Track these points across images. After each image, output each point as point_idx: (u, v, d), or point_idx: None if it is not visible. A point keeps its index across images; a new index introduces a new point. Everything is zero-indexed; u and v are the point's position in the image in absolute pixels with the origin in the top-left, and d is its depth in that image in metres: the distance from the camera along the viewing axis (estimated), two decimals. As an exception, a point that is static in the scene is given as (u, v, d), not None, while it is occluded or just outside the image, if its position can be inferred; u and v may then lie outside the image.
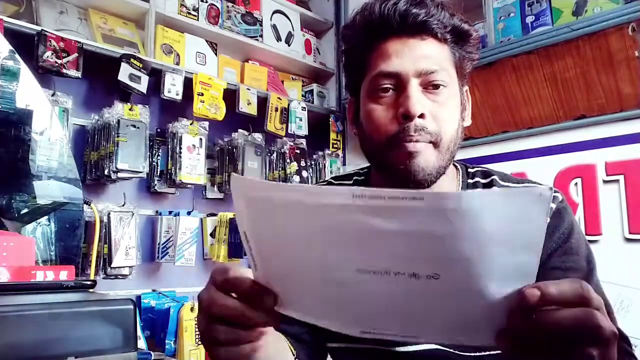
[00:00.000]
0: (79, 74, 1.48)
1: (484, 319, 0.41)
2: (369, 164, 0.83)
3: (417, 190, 0.37)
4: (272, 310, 0.47)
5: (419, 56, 0.70)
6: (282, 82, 2.21)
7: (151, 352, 1.36)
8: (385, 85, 0.71)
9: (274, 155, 2.02)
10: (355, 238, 0.40)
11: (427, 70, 0.69)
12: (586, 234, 1.50)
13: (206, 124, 1.79)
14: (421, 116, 0.69)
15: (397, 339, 0.45)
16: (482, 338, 0.42)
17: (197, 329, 1.65)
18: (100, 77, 1.64)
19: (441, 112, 0.70)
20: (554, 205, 0.73)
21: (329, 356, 0.82)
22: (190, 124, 1.75)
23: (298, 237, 0.43)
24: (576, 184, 1.58)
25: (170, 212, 1.76)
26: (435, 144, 0.70)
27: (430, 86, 0.70)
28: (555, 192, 0.76)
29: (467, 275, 0.39)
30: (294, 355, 0.72)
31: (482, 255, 0.38)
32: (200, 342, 1.65)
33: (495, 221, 0.37)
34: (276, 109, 1.98)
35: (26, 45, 1.37)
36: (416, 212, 0.37)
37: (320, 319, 0.48)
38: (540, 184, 0.78)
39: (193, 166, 1.73)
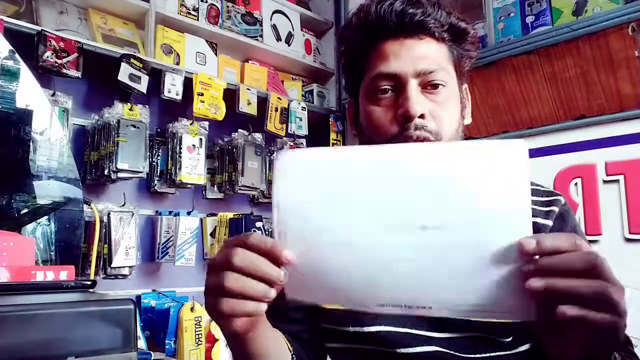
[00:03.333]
0: (79, 74, 1.48)
1: (498, 279, 0.44)
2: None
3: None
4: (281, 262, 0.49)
5: (417, 56, 0.70)
6: (282, 82, 2.21)
7: (151, 352, 1.36)
8: (384, 87, 0.71)
9: (274, 155, 2.02)
10: (374, 197, 0.47)
11: (425, 70, 0.69)
12: (586, 234, 1.50)
13: (206, 124, 1.79)
14: (421, 116, 0.69)
15: (411, 312, 0.48)
16: (503, 307, 0.45)
17: (196, 322, 1.65)
18: (100, 77, 1.64)
19: (441, 112, 0.70)
20: (556, 209, 0.73)
21: (328, 357, 0.82)
22: (190, 124, 1.75)
23: (329, 201, 0.48)
24: (576, 184, 1.58)
25: (170, 212, 1.76)
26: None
27: (429, 86, 0.70)
28: (557, 194, 0.76)
29: (468, 225, 0.44)
30: (290, 352, 0.72)
31: (476, 204, 0.44)
32: (199, 343, 1.65)
33: (476, 172, 0.44)
34: (276, 109, 1.98)
35: (26, 45, 1.37)
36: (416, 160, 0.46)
37: (334, 299, 0.51)
38: (542, 186, 0.78)
39: (193, 166, 1.73)
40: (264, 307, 0.51)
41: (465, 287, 0.45)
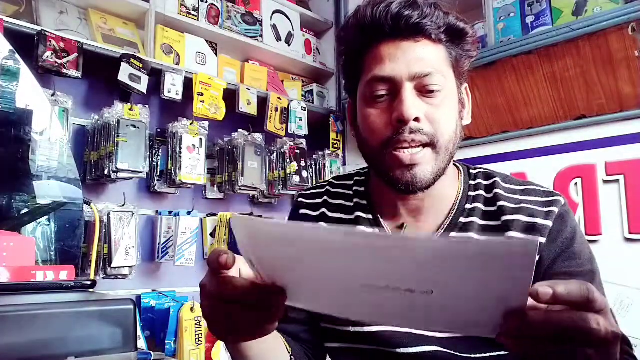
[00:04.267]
0: (79, 74, 1.48)
1: (483, 321, 0.44)
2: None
3: (405, 234, 0.40)
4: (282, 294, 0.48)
5: (413, 59, 0.69)
6: (282, 82, 2.21)
7: (151, 352, 1.37)
8: (380, 90, 0.71)
9: (274, 155, 2.02)
10: (352, 264, 0.43)
11: (421, 73, 0.69)
12: (586, 234, 1.50)
13: (206, 124, 1.79)
14: (416, 119, 0.69)
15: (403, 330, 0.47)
16: (484, 332, 0.45)
17: (196, 324, 1.65)
18: (100, 77, 1.64)
19: (437, 114, 0.70)
20: (556, 210, 0.73)
21: (328, 357, 0.82)
22: (190, 124, 1.75)
23: (302, 265, 0.46)
24: (576, 184, 1.58)
25: (170, 212, 1.76)
26: (433, 146, 0.70)
27: (425, 89, 0.70)
28: (557, 195, 0.76)
29: (458, 296, 0.42)
30: (289, 353, 0.72)
31: (468, 287, 0.41)
32: (199, 343, 1.65)
33: (479, 266, 0.39)
34: (276, 109, 1.98)
35: (26, 45, 1.37)
36: (403, 249, 0.40)
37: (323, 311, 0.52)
38: (542, 187, 0.78)
39: (193, 166, 1.73)
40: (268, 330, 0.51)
41: (449, 325, 0.46)
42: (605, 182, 1.52)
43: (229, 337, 0.54)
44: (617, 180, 1.50)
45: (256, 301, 0.47)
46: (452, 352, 0.69)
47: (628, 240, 1.46)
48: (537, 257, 0.70)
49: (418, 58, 0.69)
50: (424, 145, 0.69)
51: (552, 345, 0.40)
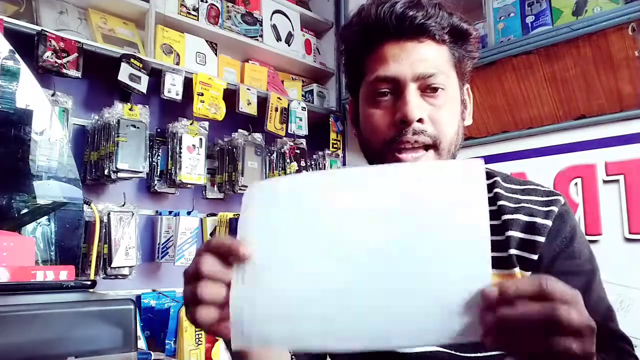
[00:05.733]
0: (79, 74, 1.48)
1: (454, 308, 0.44)
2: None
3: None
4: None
5: (417, 60, 0.69)
6: (282, 82, 2.21)
7: (151, 352, 1.37)
8: (383, 90, 0.71)
9: (274, 155, 2.02)
10: (336, 222, 0.46)
11: (424, 74, 0.69)
12: (586, 234, 1.50)
13: (206, 124, 1.79)
14: (419, 120, 0.68)
15: (371, 347, 0.47)
16: (469, 333, 0.45)
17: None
18: (100, 77, 1.64)
19: (440, 116, 0.70)
20: (556, 209, 0.73)
21: (328, 357, 0.82)
22: (190, 124, 1.75)
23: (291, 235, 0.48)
24: (576, 184, 1.58)
25: (170, 212, 1.76)
26: (435, 147, 0.70)
27: (428, 90, 0.70)
28: (557, 194, 0.76)
29: (424, 251, 0.43)
30: (289, 352, 0.72)
31: (434, 228, 0.43)
32: (199, 343, 1.65)
33: (432, 192, 0.42)
34: (276, 109, 1.98)
35: (26, 45, 1.37)
36: (384, 177, 0.45)
37: (289, 340, 0.49)
38: (543, 186, 0.78)
39: (193, 166, 1.73)
40: None
41: (422, 318, 0.45)
42: (605, 182, 1.52)
43: (209, 323, 0.52)
44: (617, 180, 1.50)
45: (224, 275, 0.49)
46: (452, 351, 0.69)
47: (628, 240, 1.46)
48: (537, 257, 0.70)
49: (422, 58, 0.69)
50: (427, 147, 0.69)
51: (531, 338, 0.42)
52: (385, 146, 0.70)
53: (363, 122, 0.75)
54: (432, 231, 0.43)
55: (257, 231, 0.48)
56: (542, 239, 0.71)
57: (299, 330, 0.47)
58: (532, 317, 0.42)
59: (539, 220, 0.72)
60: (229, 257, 0.49)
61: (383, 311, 0.45)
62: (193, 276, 0.49)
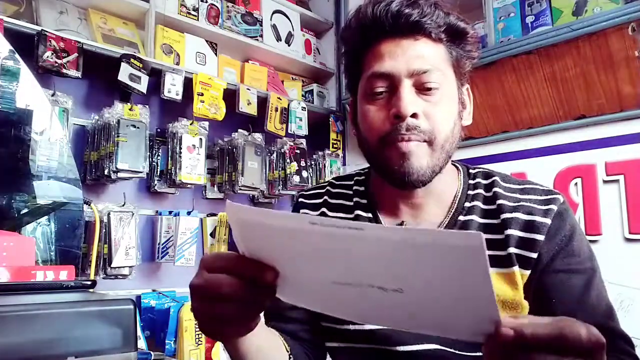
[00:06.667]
0: (79, 74, 1.48)
1: (460, 325, 0.44)
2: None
3: (360, 222, 0.40)
4: (270, 285, 0.48)
5: (412, 56, 0.70)
6: (282, 82, 2.21)
7: (151, 352, 1.36)
8: (379, 86, 0.72)
9: (274, 155, 2.02)
10: (323, 256, 0.44)
11: (419, 70, 0.69)
12: (586, 234, 1.49)
13: (206, 124, 1.79)
14: (414, 116, 0.69)
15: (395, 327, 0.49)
16: (465, 335, 0.45)
17: (195, 324, 1.65)
18: (100, 77, 1.64)
19: (435, 112, 0.70)
20: (555, 207, 0.73)
21: (328, 356, 0.82)
22: (190, 124, 1.75)
23: (280, 255, 0.47)
24: (576, 184, 1.58)
25: (170, 212, 1.76)
26: (430, 143, 0.70)
27: (423, 86, 0.70)
28: (556, 193, 0.76)
29: (426, 295, 0.42)
30: (288, 352, 0.72)
31: (433, 286, 0.41)
32: (199, 343, 1.65)
33: (434, 261, 0.40)
34: (276, 109, 1.98)
35: (26, 45, 1.37)
36: (361, 240, 0.41)
37: (310, 307, 0.53)
38: (542, 185, 0.78)
39: (193, 166, 1.73)
40: (255, 325, 0.53)
41: (427, 325, 0.47)
42: (605, 182, 1.52)
43: (222, 336, 0.55)
44: (617, 180, 1.50)
45: (246, 297, 0.48)
46: (452, 350, 0.70)
47: (628, 240, 1.46)
48: (536, 255, 0.70)
49: (417, 55, 0.70)
50: (420, 142, 0.70)
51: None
52: (380, 141, 0.71)
53: (360, 118, 0.76)
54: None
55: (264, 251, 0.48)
56: (541, 237, 0.71)
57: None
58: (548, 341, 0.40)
59: (537, 218, 0.72)
60: (251, 278, 0.48)
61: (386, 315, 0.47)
62: (210, 296, 0.48)
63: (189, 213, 1.78)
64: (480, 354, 0.70)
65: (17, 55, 1.29)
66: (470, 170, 0.82)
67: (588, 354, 0.40)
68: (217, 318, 0.49)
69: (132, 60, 1.58)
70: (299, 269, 0.47)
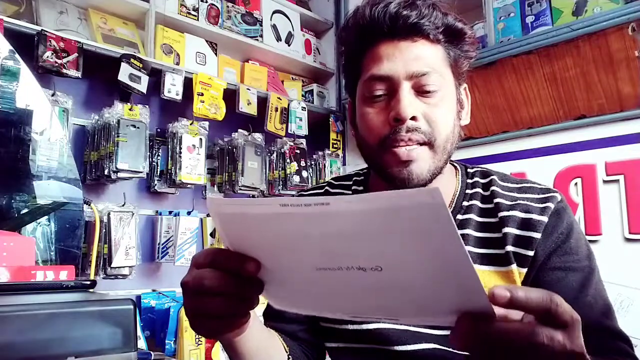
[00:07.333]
0: (79, 74, 1.48)
1: (441, 307, 0.44)
2: (368, 165, 0.83)
3: (326, 197, 0.39)
4: (255, 278, 0.49)
5: (410, 59, 0.70)
6: (282, 82, 2.21)
7: (151, 352, 1.36)
8: (378, 89, 0.71)
9: (274, 155, 2.02)
10: (300, 240, 0.44)
11: (418, 72, 0.69)
12: (586, 234, 1.50)
13: (206, 124, 1.80)
14: (413, 118, 0.69)
15: (382, 321, 0.49)
16: (441, 319, 0.45)
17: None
18: (100, 77, 1.64)
19: (434, 114, 0.70)
20: (552, 205, 0.73)
21: (327, 356, 0.82)
22: (190, 124, 1.75)
23: (261, 244, 0.47)
24: (576, 184, 1.58)
25: (170, 212, 1.76)
26: (430, 145, 0.70)
27: (422, 88, 0.70)
28: (554, 192, 0.76)
29: (405, 269, 0.42)
30: (287, 352, 0.72)
31: (408, 259, 0.41)
32: (199, 343, 1.65)
33: (399, 226, 0.39)
34: (276, 109, 1.98)
35: (26, 45, 1.37)
36: (330, 216, 0.40)
37: (302, 309, 0.53)
38: (540, 184, 0.78)
39: (193, 166, 1.73)
40: (246, 322, 0.54)
41: (411, 309, 0.46)
42: (605, 182, 1.52)
43: (212, 332, 0.55)
44: (617, 180, 1.50)
45: (230, 289, 0.48)
46: (451, 349, 0.70)
47: (628, 240, 1.46)
48: (532, 253, 0.70)
49: (416, 57, 0.70)
50: (421, 144, 0.70)
51: (501, 355, 0.40)
52: (380, 144, 0.71)
53: (359, 121, 0.76)
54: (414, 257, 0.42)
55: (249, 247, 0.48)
56: (537, 235, 0.71)
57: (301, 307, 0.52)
58: (518, 336, 0.39)
59: (534, 216, 0.72)
60: (233, 270, 0.48)
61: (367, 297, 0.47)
62: (196, 291, 0.49)
63: (189, 213, 1.78)
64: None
65: (17, 55, 1.29)
66: (469, 170, 0.82)
67: (571, 326, 0.40)
68: (205, 313, 0.49)
69: (132, 60, 1.58)
70: (280, 258, 0.47)
